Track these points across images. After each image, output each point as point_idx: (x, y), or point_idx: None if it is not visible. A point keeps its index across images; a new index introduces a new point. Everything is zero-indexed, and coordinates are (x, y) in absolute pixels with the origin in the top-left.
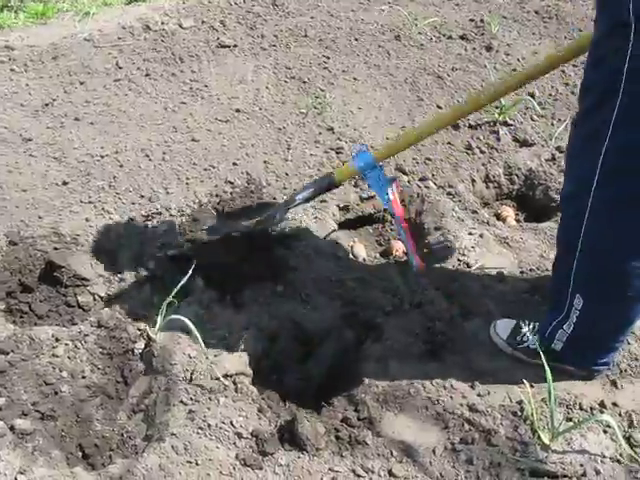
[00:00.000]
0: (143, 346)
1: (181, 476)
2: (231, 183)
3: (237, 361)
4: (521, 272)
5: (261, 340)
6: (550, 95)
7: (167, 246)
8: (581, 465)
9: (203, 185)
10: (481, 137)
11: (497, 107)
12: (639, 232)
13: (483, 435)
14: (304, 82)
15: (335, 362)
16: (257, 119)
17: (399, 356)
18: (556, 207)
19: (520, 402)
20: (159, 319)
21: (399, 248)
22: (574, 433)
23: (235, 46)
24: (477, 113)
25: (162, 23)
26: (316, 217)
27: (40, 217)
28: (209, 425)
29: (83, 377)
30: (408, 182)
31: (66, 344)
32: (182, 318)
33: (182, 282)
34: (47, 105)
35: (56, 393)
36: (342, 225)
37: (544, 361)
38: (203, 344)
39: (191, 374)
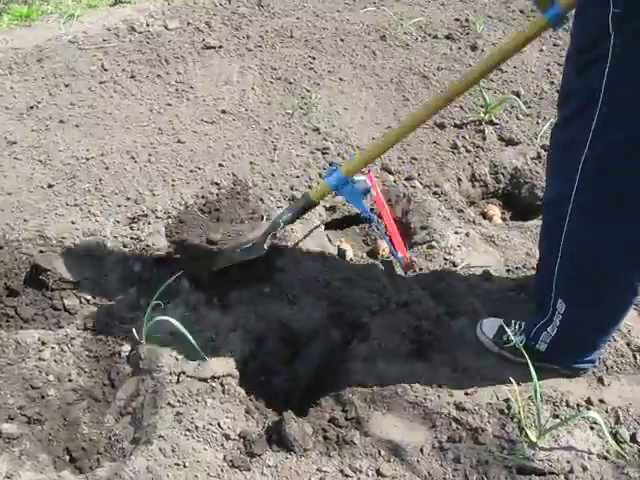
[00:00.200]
0: (130, 348)
1: (169, 478)
2: (217, 184)
3: (224, 362)
4: (507, 270)
5: (248, 341)
6: (535, 94)
7: (153, 248)
8: (568, 462)
9: (189, 187)
10: (467, 136)
11: (482, 106)
12: (618, 238)
13: (470, 433)
14: (290, 83)
15: (322, 362)
16: (243, 120)
17: (386, 355)
18: (541, 205)
19: (507, 400)
20: (145, 321)
21: (386, 248)
22: (561, 430)
23: (221, 47)
24: (462, 112)
25: (147, 25)
26: (302, 217)
27: (25, 220)
28: (197, 427)
29: (70, 380)
30: (394, 182)
31: (52, 347)
32: (169, 319)
33: (167, 283)
34: (32, 108)
35: (43, 397)
36: (329, 225)
37: (528, 361)
38: (193, 344)
39: (178, 376)
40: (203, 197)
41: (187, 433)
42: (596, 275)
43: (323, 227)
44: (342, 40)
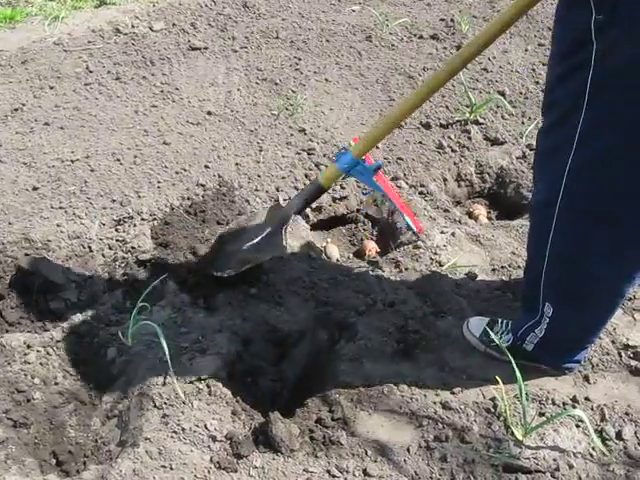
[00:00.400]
0: (116, 351)
1: None
2: (203, 186)
3: (211, 364)
4: (493, 269)
5: (235, 342)
6: (521, 93)
7: (139, 250)
8: (554, 460)
9: (175, 188)
10: (452, 136)
11: (468, 106)
12: (603, 241)
13: (457, 432)
14: (275, 84)
15: (309, 363)
16: (228, 121)
17: (373, 355)
18: (527, 204)
19: (493, 399)
20: (131, 324)
21: (372, 248)
22: (547, 428)
23: (206, 48)
24: (448, 112)
25: (132, 26)
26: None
27: (10, 223)
28: (183, 429)
29: (56, 384)
30: None
31: (38, 351)
32: (152, 324)
33: (152, 285)
34: (16, 110)
35: (28, 400)
36: (315, 226)
37: (512, 360)
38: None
39: (164, 378)
40: (189, 199)
41: (173, 435)
42: (583, 278)
43: (309, 228)
44: (328, 41)
